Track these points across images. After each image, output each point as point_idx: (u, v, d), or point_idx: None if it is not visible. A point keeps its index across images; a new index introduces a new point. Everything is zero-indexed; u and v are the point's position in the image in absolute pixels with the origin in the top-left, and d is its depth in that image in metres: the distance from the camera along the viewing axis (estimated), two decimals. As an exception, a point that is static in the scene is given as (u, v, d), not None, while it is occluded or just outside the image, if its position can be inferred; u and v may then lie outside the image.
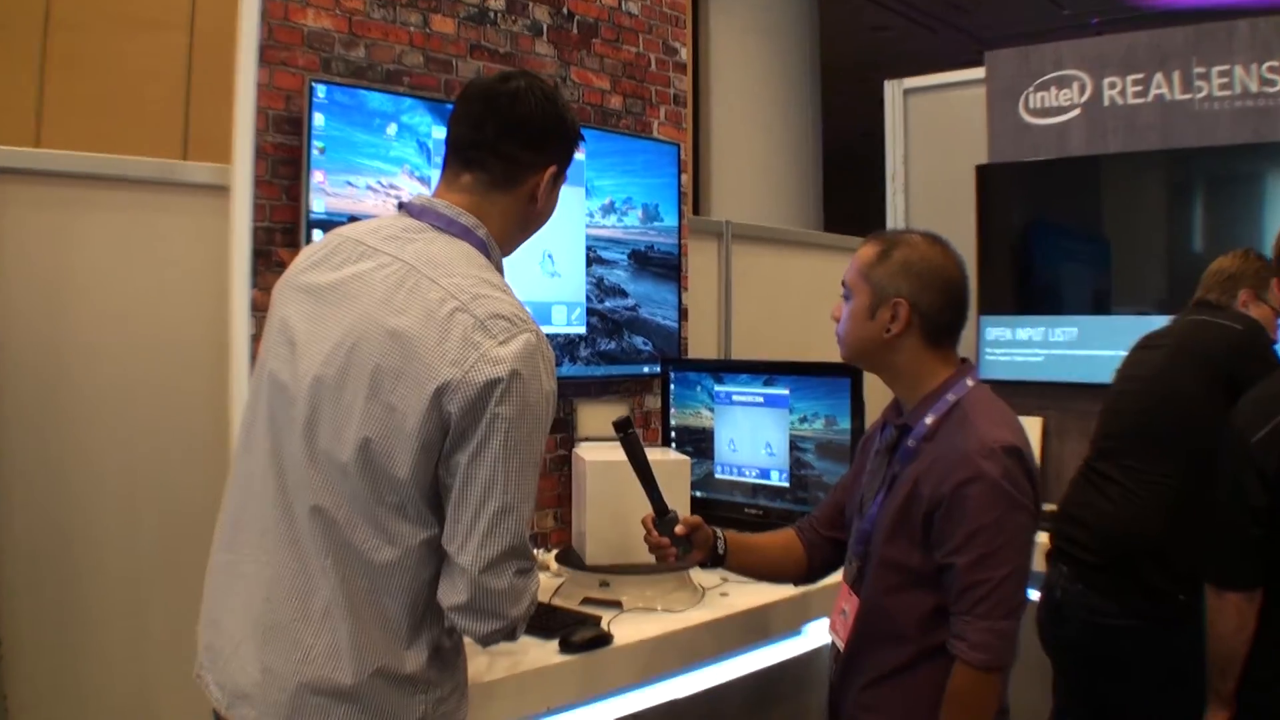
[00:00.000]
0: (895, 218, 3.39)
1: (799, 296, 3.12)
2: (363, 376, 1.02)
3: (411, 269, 1.05)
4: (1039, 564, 1.87)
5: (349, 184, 1.89)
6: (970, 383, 1.29)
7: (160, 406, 1.83)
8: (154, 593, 1.80)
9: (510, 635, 1.06)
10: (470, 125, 1.12)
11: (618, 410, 2.25)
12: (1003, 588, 1.16)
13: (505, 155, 1.11)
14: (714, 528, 1.47)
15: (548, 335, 1.07)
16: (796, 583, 1.57)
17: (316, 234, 1.82)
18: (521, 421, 1.01)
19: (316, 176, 1.84)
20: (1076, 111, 2.93)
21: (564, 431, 2.31)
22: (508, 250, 1.17)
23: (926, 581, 1.22)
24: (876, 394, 1.71)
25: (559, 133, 1.15)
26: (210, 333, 1.81)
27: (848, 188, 4.82)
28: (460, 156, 1.13)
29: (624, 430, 1.42)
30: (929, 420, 1.26)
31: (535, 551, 2.04)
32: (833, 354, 1.40)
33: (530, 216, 1.17)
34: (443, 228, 1.10)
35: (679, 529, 1.42)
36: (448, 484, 1.02)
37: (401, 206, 1.15)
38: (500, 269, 1.13)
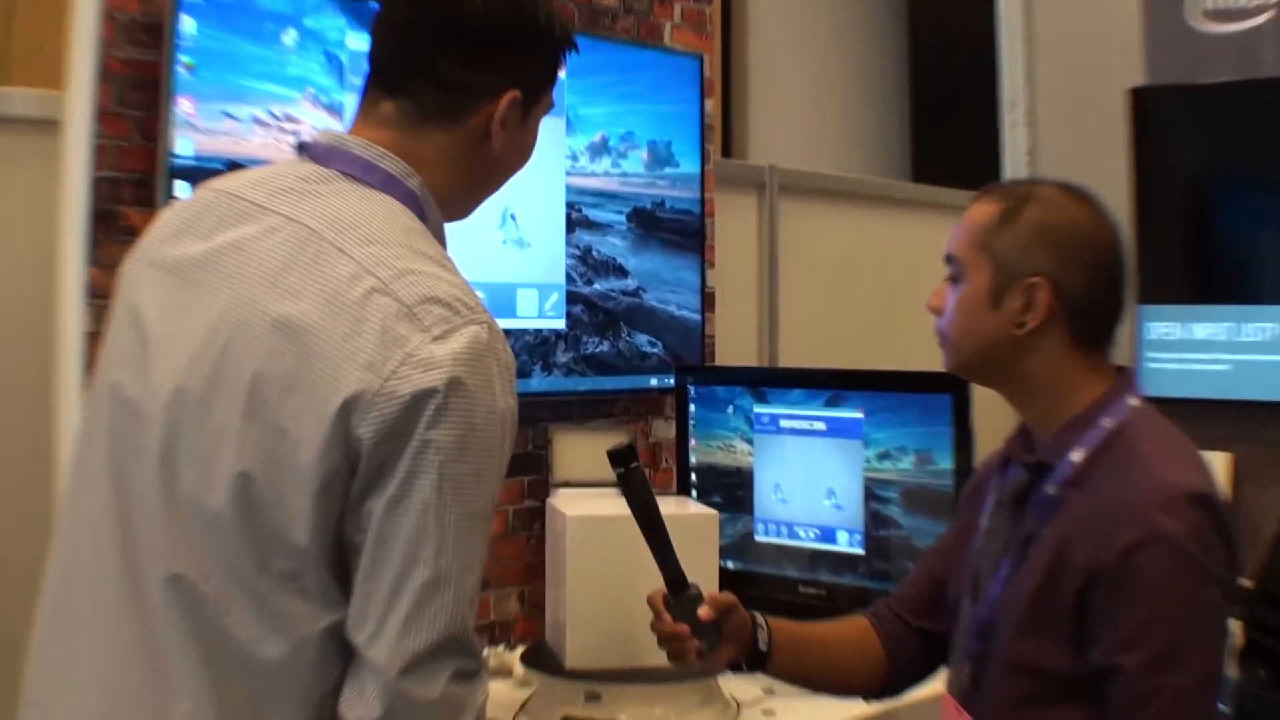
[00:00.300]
0: (1016, 164, 3.40)
1: (877, 276, 3.13)
2: (239, 387, 1.01)
3: (312, 234, 1.05)
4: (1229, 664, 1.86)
5: (228, 115, 1.90)
6: (1133, 402, 1.29)
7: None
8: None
9: (446, 770, 1.06)
10: (394, 33, 1.13)
11: (614, 439, 2.24)
12: (1189, 700, 1.16)
13: (441, 76, 1.12)
14: (753, 612, 1.46)
15: (509, 331, 1.07)
16: (871, 695, 1.56)
17: (181, 187, 1.83)
18: (465, 453, 1.00)
19: (183, 105, 1.86)
20: (1268, 14, 2.92)
21: (534, 473, 2.31)
22: (455, 213, 1.18)
23: (1078, 692, 1.21)
24: (991, 418, 1.68)
25: (525, 40, 1.15)
26: (30, 329, 1.82)
27: (946, 120, 4.83)
28: (382, 77, 1.14)
29: (624, 464, 1.42)
30: (1077, 456, 1.26)
31: (488, 649, 2.05)
32: (927, 359, 1.39)
33: (485, 164, 1.17)
34: (358, 176, 1.10)
35: (703, 612, 1.41)
36: (356, 542, 1.01)
37: (301, 148, 1.16)
38: (441, 237, 1.14)
